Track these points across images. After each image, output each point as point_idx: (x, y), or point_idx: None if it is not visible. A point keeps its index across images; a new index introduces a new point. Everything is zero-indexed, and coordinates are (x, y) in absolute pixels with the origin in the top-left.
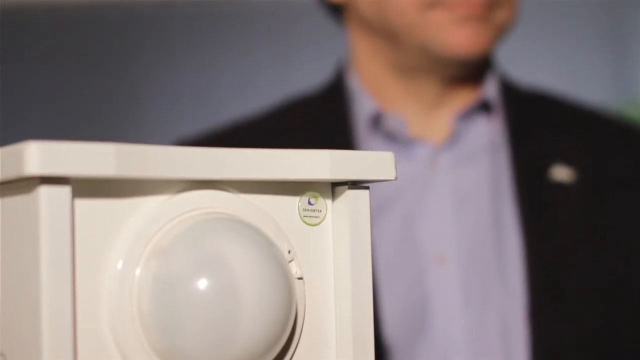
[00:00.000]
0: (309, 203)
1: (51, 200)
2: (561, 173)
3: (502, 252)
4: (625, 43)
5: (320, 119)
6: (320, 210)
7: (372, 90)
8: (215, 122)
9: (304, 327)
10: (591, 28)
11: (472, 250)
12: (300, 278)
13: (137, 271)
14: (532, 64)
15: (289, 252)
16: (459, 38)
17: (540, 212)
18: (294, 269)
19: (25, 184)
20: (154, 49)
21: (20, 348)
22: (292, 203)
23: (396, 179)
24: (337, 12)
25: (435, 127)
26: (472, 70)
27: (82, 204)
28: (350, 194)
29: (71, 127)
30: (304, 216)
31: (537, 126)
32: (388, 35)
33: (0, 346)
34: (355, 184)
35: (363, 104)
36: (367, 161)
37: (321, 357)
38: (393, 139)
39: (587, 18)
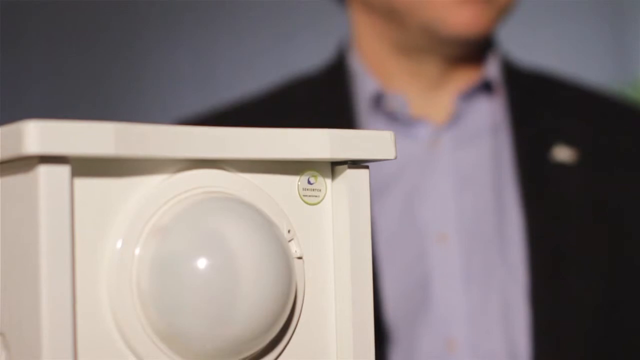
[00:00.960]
0: (309, 182)
1: (50, 179)
2: (562, 153)
3: (503, 231)
4: (626, 24)
5: (322, 99)
6: (320, 190)
7: (373, 70)
8: (215, 102)
9: (303, 306)
10: (592, 9)
11: (473, 230)
12: (299, 257)
13: (137, 251)
14: (533, 45)
15: (289, 231)
16: (461, 18)
17: (541, 191)
18: (294, 248)
19: (25, 163)
20: (155, 29)
21: (19, 328)
22: (291, 182)
23: (396, 158)
24: None
25: (436, 107)
26: (474, 50)
27: (82, 183)
28: (350, 173)
29: (71, 107)
30: (304, 195)
31: (539, 106)
32: (390, 14)
33: (0, 326)
34: (355, 163)
35: (364, 84)
36: (367, 140)
37: (321, 335)
38: (394, 118)
39: None
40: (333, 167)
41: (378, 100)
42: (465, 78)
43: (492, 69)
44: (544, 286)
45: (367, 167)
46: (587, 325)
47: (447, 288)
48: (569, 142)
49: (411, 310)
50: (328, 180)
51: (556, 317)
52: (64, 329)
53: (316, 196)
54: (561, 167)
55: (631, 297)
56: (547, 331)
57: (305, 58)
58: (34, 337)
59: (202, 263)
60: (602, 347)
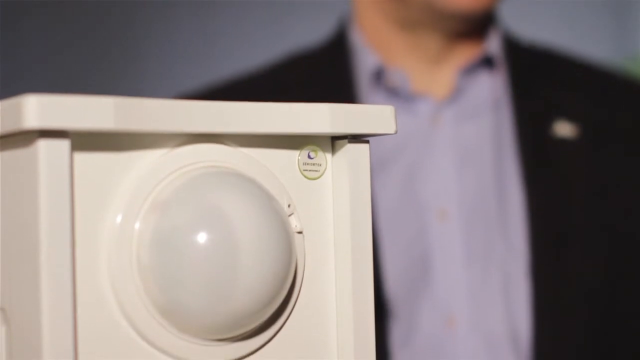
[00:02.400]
0: (309, 157)
1: (50, 153)
2: (564, 128)
3: (504, 207)
4: None
5: (322, 74)
6: (320, 164)
7: (374, 45)
8: (215, 78)
9: (303, 280)
10: None
11: (474, 206)
12: (300, 232)
13: (137, 225)
14: (534, 20)
15: (289, 205)
16: None
17: (542, 167)
18: (294, 223)
19: (24, 137)
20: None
21: (19, 303)
22: (291, 157)
23: (396, 132)
24: None
25: (437, 82)
26: (475, 25)
27: (81, 157)
28: (350, 147)
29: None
30: (304, 170)
31: (540, 82)
32: None
33: (0, 300)
34: (355, 138)
35: (365, 59)
36: (367, 115)
37: (321, 310)
38: (395, 94)
39: None
40: (333, 141)
41: (379, 76)
42: (467, 53)
43: (493, 45)
44: (545, 263)
45: (367, 141)
46: (588, 302)
47: (448, 264)
48: (570, 117)
49: (412, 286)
50: (328, 155)
51: (557, 294)
52: (64, 304)
53: (316, 171)
54: (562, 142)
55: (632, 273)
56: (548, 308)
57: (306, 33)
58: (33, 312)
59: (202, 237)
60: (603, 324)
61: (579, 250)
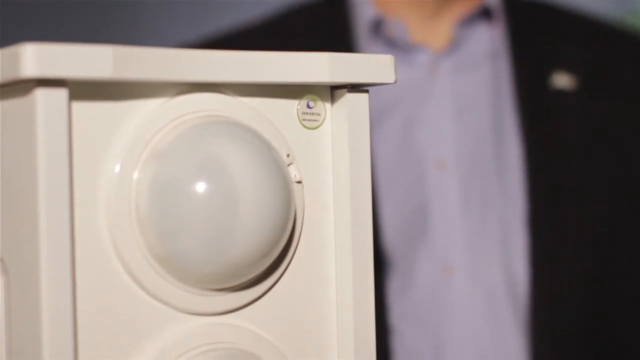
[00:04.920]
0: (308, 106)
1: (48, 102)
2: (562, 80)
3: (502, 158)
4: None
5: (321, 25)
6: (319, 114)
7: None
8: (215, 29)
9: (302, 230)
10: None
11: (472, 156)
12: (299, 182)
13: (135, 175)
14: None
15: (288, 155)
16: None
17: (540, 119)
18: (293, 173)
19: (22, 86)
20: None
21: (18, 253)
22: (290, 106)
23: (396, 82)
24: None
25: (436, 33)
26: None
27: (79, 106)
28: (349, 97)
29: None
30: (303, 119)
31: (538, 33)
32: None
33: (0, 252)
34: (354, 87)
35: (363, 11)
36: (367, 64)
37: (320, 260)
38: (394, 45)
39: None
40: (333, 91)
41: (377, 26)
42: (465, 5)
43: None
44: (543, 213)
45: (366, 91)
46: (585, 252)
47: (446, 214)
48: (568, 68)
49: (410, 236)
50: (327, 105)
51: (555, 244)
52: (62, 253)
53: (315, 120)
54: (560, 94)
55: (629, 223)
56: (546, 258)
57: None
58: (32, 262)
59: (200, 187)
60: (600, 274)
61: (576, 200)
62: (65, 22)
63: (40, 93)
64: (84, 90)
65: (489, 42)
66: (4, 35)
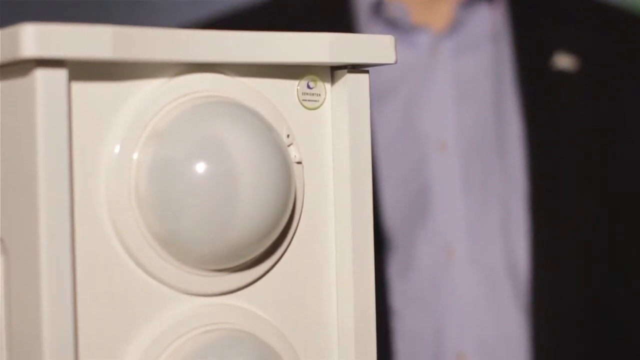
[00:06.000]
0: (308, 87)
1: (47, 83)
2: (563, 61)
3: (504, 140)
4: None
5: (321, 6)
6: (320, 94)
7: None
8: (215, 9)
9: (303, 211)
10: None
11: (473, 138)
12: (299, 162)
13: (135, 155)
14: None
15: (288, 136)
16: None
17: (542, 100)
18: (293, 153)
19: (22, 67)
20: None
21: (18, 233)
22: (291, 87)
23: (396, 62)
24: None
25: (437, 14)
26: None
27: (79, 87)
28: (349, 77)
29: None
30: (303, 100)
31: (540, 14)
32: None
33: (0, 232)
34: (354, 68)
35: None
36: (367, 44)
37: (319, 240)
38: (394, 25)
39: None
40: (333, 71)
41: (378, 7)
42: None
43: None
44: (544, 195)
45: (367, 71)
46: (587, 234)
47: (446, 197)
48: (569, 49)
49: (410, 218)
50: (327, 85)
51: (556, 227)
52: (62, 234)
53: (315, 101)
54: (562, 75)
55: (632, 205)
56: (547, 240)
57: None
58: (32, 242)
59: (200, 167)
60: (601, 255)
61: (578, 182)
62: (65, 3)
63: (40, 73)
64: (84, 70)
65: (490, 23)
66: (4, 18)
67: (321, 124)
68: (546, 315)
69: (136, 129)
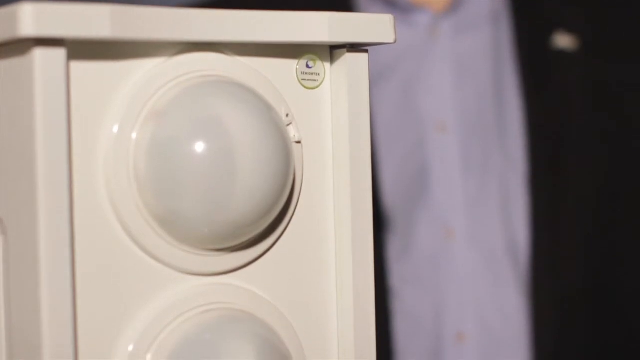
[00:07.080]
0: (307, 66)
1: (46, 62)
2: (563, 40)
3: (503, 120)
4: None
5: None
6: (319, 74)
7: None
8: None
9: (302, 190)
10: None
11: (472, 118)
12: (298, 142)
13: (134, 135)
14: None
15: (287, 115)
16: None
17: (541, 79)
18: (292, 133)
19: (21, 46)
20: None
21: (17, 213)
22: (290, 66)
23: (395, 41)
24: None
25: None
26: None
27: (78, 66)
28: (348, 57)
29: None
30: (302, 79)
31: None
32: None
33: (0, 212)
34: (354, 47)
35: None
36: (366, 24)
37: (319, 220)
38: (393, 5)
39: None
40: (332, 51)
41: None
42: None
43: None
44: (544, 175)
45: (366, 51)
46: (586, 214)
47: (446, 177)
48: (570, 28)
49: (409, 198)
50: (327, 64)
51: (556, 207)
52: (61, 213)
53: (315, 80)
54: (562, 54)
55: (631, 185)
56: (547, 220)
57: None
58: (31, 222)
59: (199, 146)
60: (601, 235)
61: (578, 162)
62: None
63: (38, 52)
64: (83, 49)
65: (490, 2)
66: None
67: (320, 104)
68: (546, 295)
69: (135, 109)
